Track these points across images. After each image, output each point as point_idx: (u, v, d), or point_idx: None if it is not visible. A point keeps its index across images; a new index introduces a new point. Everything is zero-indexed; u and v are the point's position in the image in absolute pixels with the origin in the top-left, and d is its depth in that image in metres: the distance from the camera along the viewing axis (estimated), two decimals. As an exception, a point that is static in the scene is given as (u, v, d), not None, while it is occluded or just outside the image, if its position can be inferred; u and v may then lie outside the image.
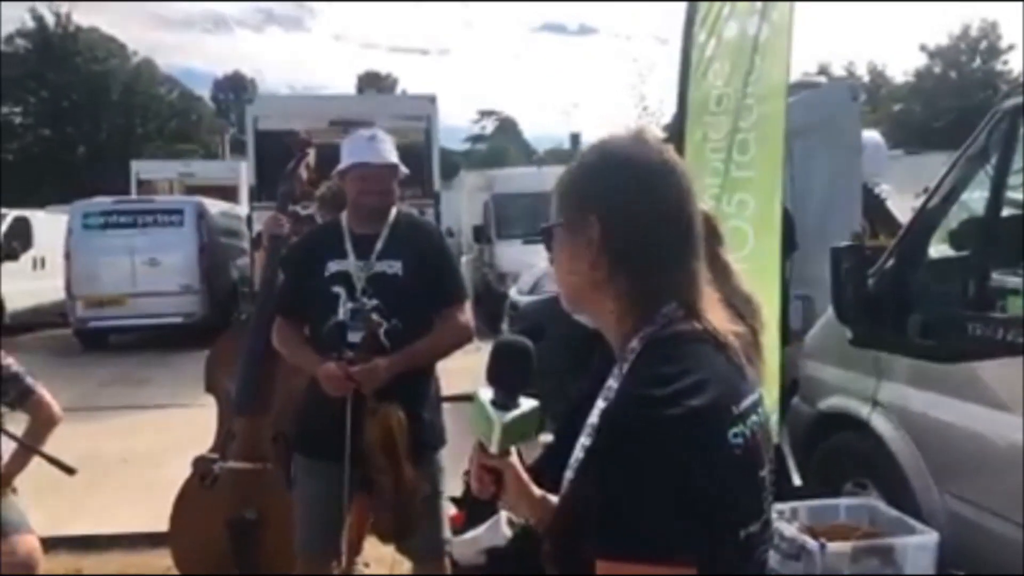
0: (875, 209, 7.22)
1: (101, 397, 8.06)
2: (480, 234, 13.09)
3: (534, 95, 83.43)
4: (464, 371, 2.83)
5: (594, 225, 1.04)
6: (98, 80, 38.81)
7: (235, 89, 52.35)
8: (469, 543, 3.42)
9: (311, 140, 3.23)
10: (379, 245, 2.60)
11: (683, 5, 3.58)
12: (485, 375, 1.19)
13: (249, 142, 10.20)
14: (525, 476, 1.22)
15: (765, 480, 1.02)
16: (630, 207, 1.04)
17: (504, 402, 1.15)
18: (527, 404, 1.16)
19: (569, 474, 1.05)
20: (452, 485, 2.84)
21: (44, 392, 2.92)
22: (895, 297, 3.17)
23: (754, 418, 1.00)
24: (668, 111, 12.05)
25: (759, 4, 3.30)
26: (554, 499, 1.20)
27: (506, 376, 1.18)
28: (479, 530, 3.36)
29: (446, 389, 2.84)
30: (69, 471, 2.71)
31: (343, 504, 2.58)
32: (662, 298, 1.03)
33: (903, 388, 3.13)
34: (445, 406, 2.83)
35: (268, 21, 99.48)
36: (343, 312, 2.54)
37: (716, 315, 1.05)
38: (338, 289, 2.56)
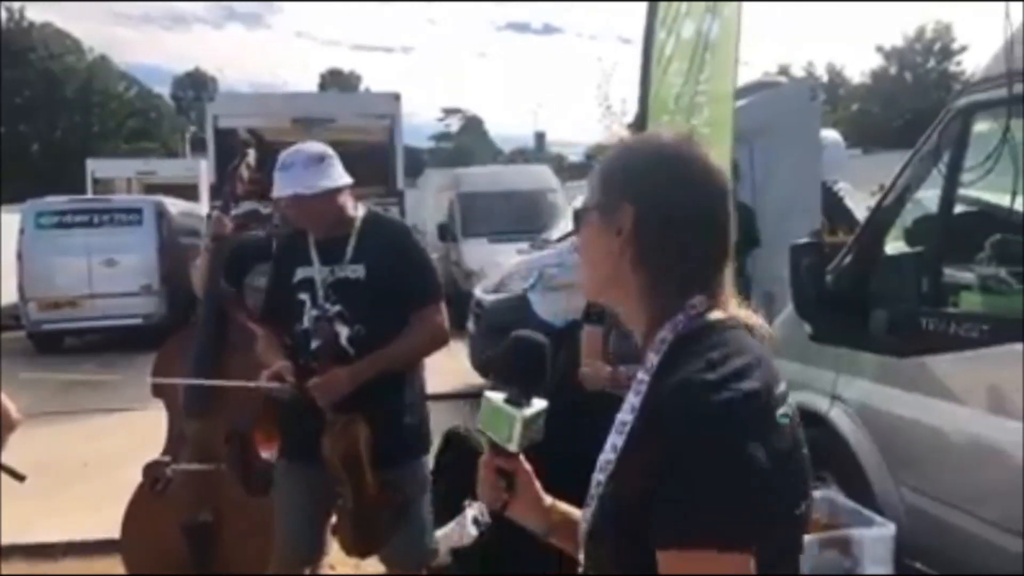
0: (834, 206, 7.35)
1: (58, 401, 7.87)
2: (445, 232, 13.04)
3: (499, 94, 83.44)
4: (435, 371, 2.79)
5: (627, 211, 1.04)
6: (53, 77, 37.94)
7: (195, 87, 51.56)
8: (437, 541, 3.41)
9: (251, 141, 3.23)
10: (348, 249, 2.53)
11: (645, 4, 3.61)
12: (497, 372, 1.16)
13: (209, 140, 10.03)
14: (537, 483, 1.18)
15: (806, 459, 1.02)
16: (666, 198, 1.04)
17: (519, 400, 1.12)
18: (539, 403, 1.13)
19: (600, 476, 1.00)
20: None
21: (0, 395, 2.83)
22: (853, 293, 3.23)
23: (789, 399, 1.01)
24: (631, 110, 12.12)
25: (712, 3, 3.33)
26: (564, 507, 1.18)
27: (522, 372, 1.14)
28: (444, 529, 3.36)
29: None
30: (19, 478, 2.64)
31: (323, 507, 2.53)
32: (688, 291, 1.03)
33: (861, 383, 3.19)
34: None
35: (229, 18, 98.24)
36: (307, 320, 2.50)
37: (738, 308, 1.06)
38: (303, 296, 2.51)
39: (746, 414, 0.91)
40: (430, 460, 2.69)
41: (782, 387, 1.00)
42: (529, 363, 1.16)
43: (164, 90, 52.78)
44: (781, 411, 0.96)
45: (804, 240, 3.38)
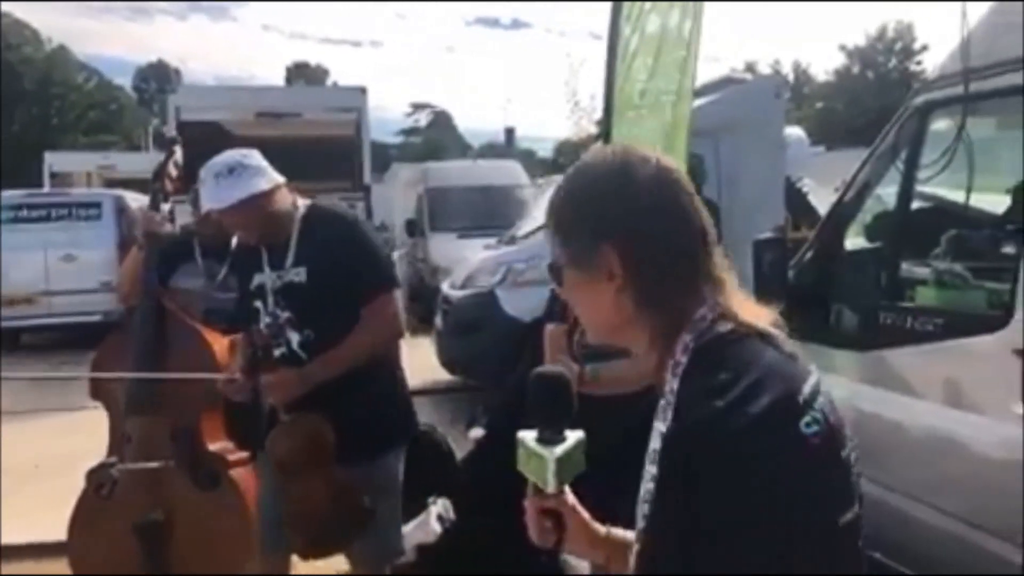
0: (797, 202, 7.44)
1: (14, 401, 7.68)
2: (413, 228, 12.99)
3: (468, 89, 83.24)
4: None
5: (611, 255, 0.98)
6: (10, 68, 36.99)
7: (158, 79, 50.65)
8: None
9: (178, 139, 3.21)
10: (290, 253, 2.48)
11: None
12: (527, 413, 1.13)
13: (172, 133, 9.88)
14: (586, 515, 1.15)
15: (850, 460, 0.99)
16: (647, 228, 0.98)
17: (551, 437, 1.10)
18: (573, 436, 1.11)
19: (644, 508, 0.97)
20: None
21: None
22: (814, 288, 3.27)
23: (820, 400, 0.96)
24: (600, 106, 12.17)
25: (677, 1, 3.33)
26: (620, 533, 1.15)
27: (548, 410, 1.12)
28: (408, 527, 3.34)
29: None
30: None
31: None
32: (692, 301, 0.99)
33: (822, 377, 3.22)
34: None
35: (193, 9, 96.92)
36: (263, 326, 2.50)
37: (747, 308, 1.01)
38: (258, 303, 2.51)
39: (758, 439, 0.87)
40: (397, 457, 2.63)
41: (808, 388, 0.95)
42: (554, 399, 1.13)
43: (126, 82, 51.86)
44: (806, 419, 0.91)
45: (767, 235, 3.41)
